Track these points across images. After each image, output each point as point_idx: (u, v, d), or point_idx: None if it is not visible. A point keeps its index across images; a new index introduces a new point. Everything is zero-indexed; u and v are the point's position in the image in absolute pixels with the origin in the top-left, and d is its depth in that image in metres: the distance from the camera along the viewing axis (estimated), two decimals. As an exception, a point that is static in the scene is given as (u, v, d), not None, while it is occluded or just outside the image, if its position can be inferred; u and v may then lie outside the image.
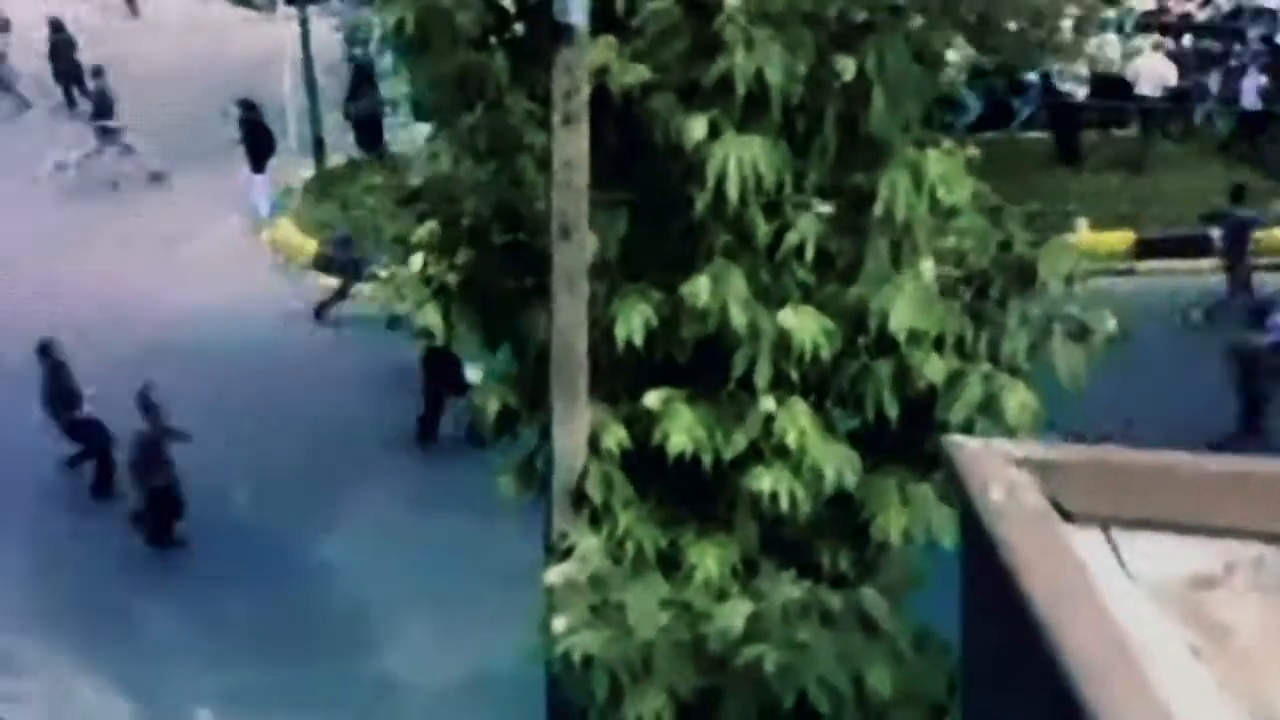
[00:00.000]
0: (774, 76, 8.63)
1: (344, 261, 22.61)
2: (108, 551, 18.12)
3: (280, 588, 17.55)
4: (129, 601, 17.57)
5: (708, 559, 9.39)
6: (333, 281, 22.87)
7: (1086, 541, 5.21)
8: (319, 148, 26.64)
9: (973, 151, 9.61)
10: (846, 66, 8.77)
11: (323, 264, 23.99)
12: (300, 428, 19.78)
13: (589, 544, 9.28)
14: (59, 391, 19.16)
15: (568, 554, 9.27)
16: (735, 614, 8.60)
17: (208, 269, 24.01)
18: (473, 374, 11.30)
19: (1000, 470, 5.39)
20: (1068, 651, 4.58)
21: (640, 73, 9.09)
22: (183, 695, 16.15)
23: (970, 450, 5.58)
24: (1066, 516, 5.28)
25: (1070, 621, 4.70)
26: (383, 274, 17.89)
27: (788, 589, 8.76)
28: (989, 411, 9.28)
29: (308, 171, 26.78)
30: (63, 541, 18.46)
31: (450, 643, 16.56)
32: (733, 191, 8.79)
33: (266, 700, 15.87)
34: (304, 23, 26.39)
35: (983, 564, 5.40)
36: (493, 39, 9.98)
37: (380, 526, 18.32)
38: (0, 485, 18.88)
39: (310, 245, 24.67)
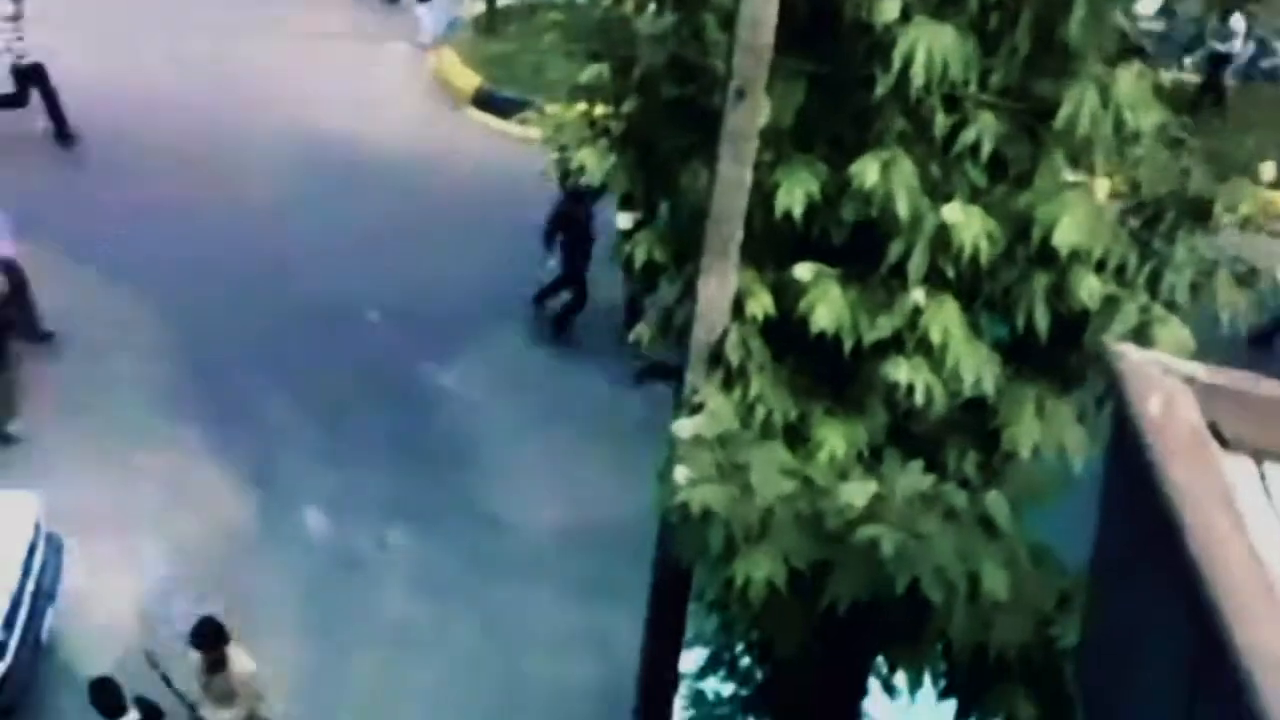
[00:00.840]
0: (975, -34, 8.47)
1: (502, 101, 22.60)
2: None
3: (401, 408, 17.82)
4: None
5: (835, 437, 9.37)
6: (490, 119, 22.88)
7: (1238, 469, 5.15)
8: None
9: (1165, 78, 9.41)
10: (1050, -33, 8.60)
11: (482, 99, 24.00)
12: (440, 258, 19.91)
13: (720, 403, 9.30)
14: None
15: (697, 410, 9.30)
16: (858, 493, 8.59)
17: (367, 90, 24.15)
18: (623, 221, 11.26)
19: (1161, 384, 5.32)
20: (1210, 576, 4.55)
21: (838, -54, 8.96)
22: (296, 490, 16.48)
23: (1134, 359, 5.52)
24: (1222, 441, 5.22)
25: (1215, 548, 4.66)
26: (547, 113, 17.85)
27: (913, 478, 8.75)
28: (1140, 341, 9.15)
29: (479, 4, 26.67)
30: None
31: (560, 487, 16.79)
32: (917, 78, 8.66)
33: (374, 507, 16.17)
34: None
35: (1130, 474, 5.36)
36: (689, -112, 9.87)
37: (504, 367, 18.50)
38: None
39: (472, 79, 24.67)
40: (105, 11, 24.09)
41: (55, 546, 15.03)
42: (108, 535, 15.79)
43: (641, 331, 10.20)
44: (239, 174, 21.42)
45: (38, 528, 14.78)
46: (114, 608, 15.34)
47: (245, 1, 25.33)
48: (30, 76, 21.55)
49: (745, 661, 11.17)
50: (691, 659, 11.41)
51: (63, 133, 21.89)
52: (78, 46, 22.29)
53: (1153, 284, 9.34)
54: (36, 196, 19.33)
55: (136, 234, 19.77)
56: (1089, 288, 9.20)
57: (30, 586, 14.42)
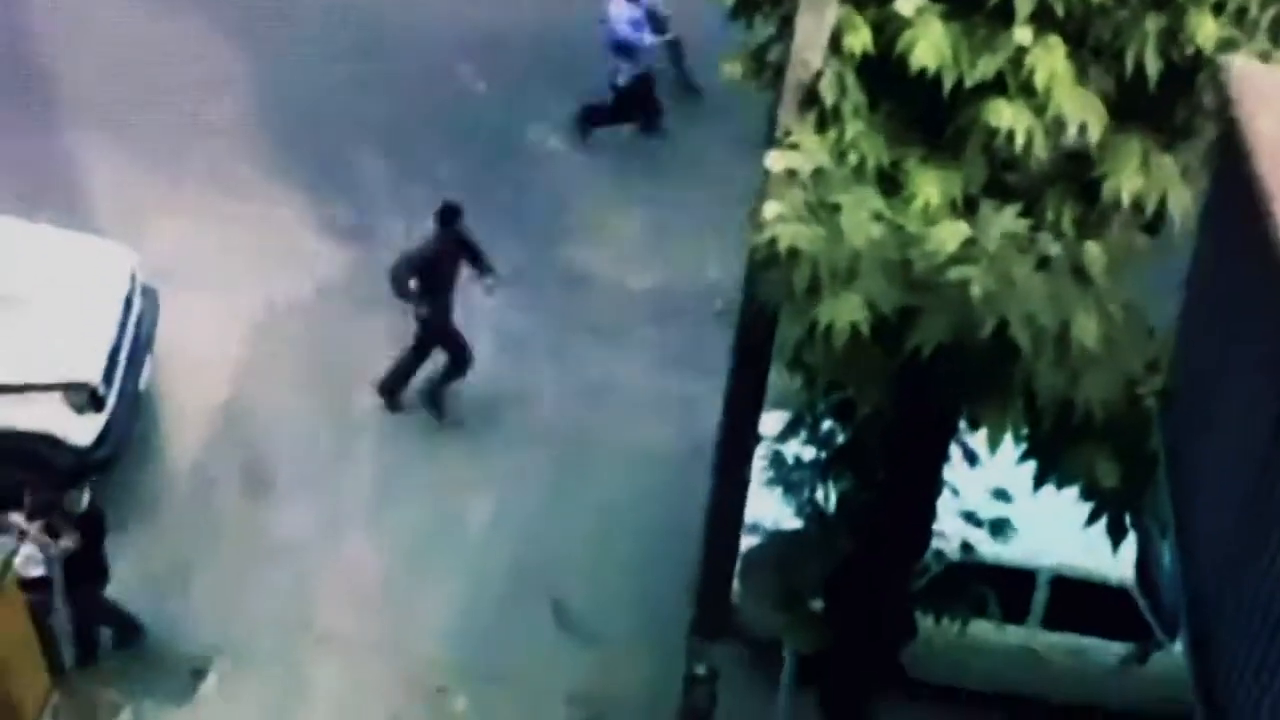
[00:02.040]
0: None
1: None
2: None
3: (497, 161, 17.62)
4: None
5: (930, 185, 9.03)
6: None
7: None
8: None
9: None
10: None
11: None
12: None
13: (812, 141, 9.01)
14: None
15: (790, 148, 9.02)
16: (949, 235, 8.34)
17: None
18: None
19: (1276, 100, 5.03)
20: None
21: None
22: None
23: (1248, 71, 5.22)
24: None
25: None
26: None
27: (1007, 223, 8.46)
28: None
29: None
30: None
31: (654, 245, 16.63)
32: None
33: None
34: None
35: (1233, 188, 5.08)
36: None
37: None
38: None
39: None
40: None
41: (151, 299, 15.06)
42: (202, 286, 15.81)
43: (731, 67, 9.86)
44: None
45: (133, 279, 14.79)
46: (207, 356, 15.42)
47: None
48: None
49: (826, 424, 11.00)
50: (772, 422, 11.24)
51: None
52: None
53: (1276, 28, 8.86)
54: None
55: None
56: (1205, 31, 8.72)
57: (128, 339, 14.49)
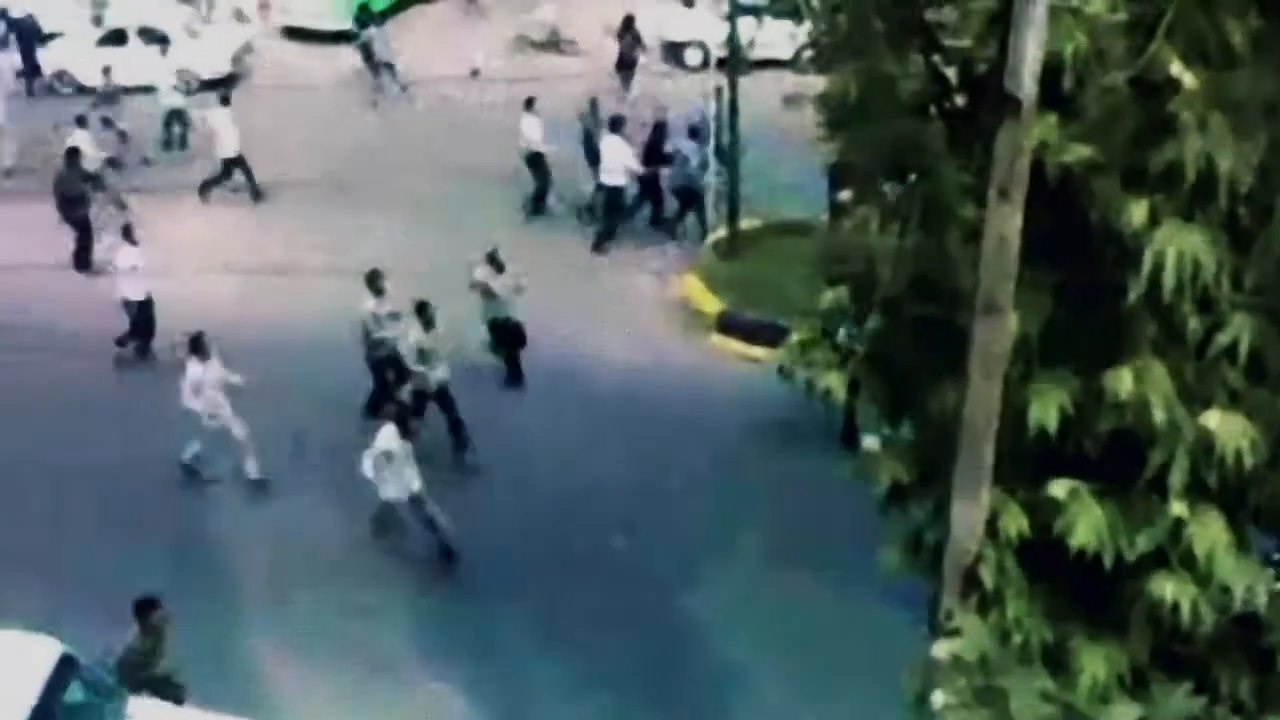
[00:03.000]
0: (1225, 164, 8.23)
1: (745, 324, 22.79)
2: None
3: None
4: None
5: (1097, 661, 8.97)
6: (733, 342, 23.05)
7: None
8: (733, 207, 26.88)
9: None
10: (1304, 158, 8.33)
11: (726, 323, 24.18)
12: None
13: (976, 626, 8.99)
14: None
15: (953, 634, 9.00)
16: (1121, 716, 8.19)
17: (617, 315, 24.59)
18: (870, 442, 11.11)
19: None
20: None
21: (1081, 152, 8.79)
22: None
23: None
24: None
25: None
26: (792, 338, 17.94)
27: (1182, 701, 8.32)
28: None
29: (721, 230, 27.10)
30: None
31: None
32: (1169, 282, 8.39)
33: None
34: (731, 85, 26.73)
35: None
36: (932, 108, 9.83)
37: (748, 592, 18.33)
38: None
39: (716, 303, 24.89)
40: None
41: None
42: None
43: (890, 556, 9.96)
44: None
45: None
46: None
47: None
48: None
49: None
50: None
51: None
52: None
53: None
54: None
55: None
56: (1363, 491, 8.75)
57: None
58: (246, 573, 18.86)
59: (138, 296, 23.83)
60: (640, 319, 24.87)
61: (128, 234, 24.31)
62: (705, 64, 30.83)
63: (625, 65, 34.79)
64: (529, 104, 28.50)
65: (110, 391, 23.11)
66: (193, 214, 29.03)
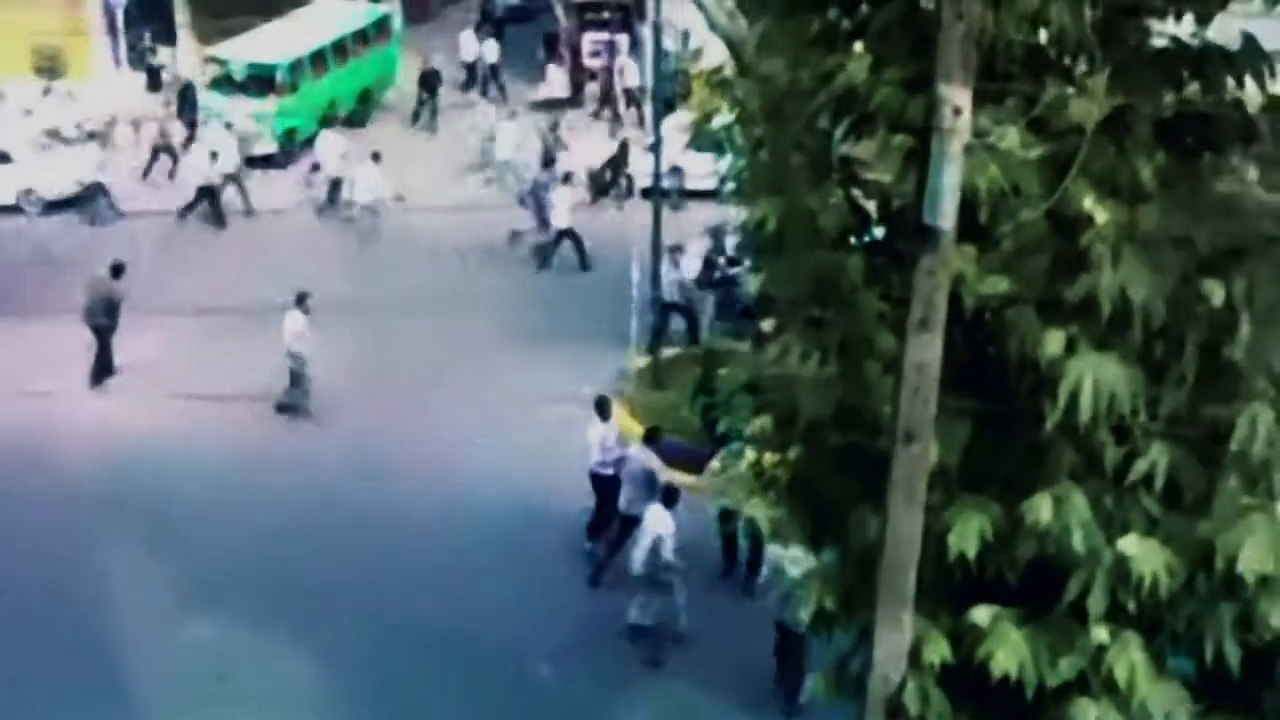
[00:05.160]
0: (1138, 296, 8.42)
1: (670, 450, 22.81)
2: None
3: None
4: None
5: (1024, 789, 9.02)
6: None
7: None
8: (656, 336, 27.08)
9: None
10: (1214, 291, 8.52)
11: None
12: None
13: (902, 758, 9.04)
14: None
15: (880, 762, 9.05)
16: None
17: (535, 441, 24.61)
18: (793, 570, 11.20)
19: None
20: None
21: (999, 284, 8.97)
22: None
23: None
24: None
25: None
26: (714, 465, 18.17)
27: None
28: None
29: (644, 358, 27.24)
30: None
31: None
32: (1085, 411, 8.55)
33: None
34: (655, 214, 27.04)
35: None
36: (851, 240, 10.00)
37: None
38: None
39: (638, 429, 24.93)
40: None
41: None
42: None
43: (817, 682, 9.99)
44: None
45: None
46: None
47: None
48: None
49: None
50: None
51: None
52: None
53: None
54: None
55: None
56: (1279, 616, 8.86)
57: None
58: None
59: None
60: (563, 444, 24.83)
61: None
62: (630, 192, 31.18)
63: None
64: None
65: None
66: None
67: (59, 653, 19.21)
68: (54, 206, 35.10)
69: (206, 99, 39.36)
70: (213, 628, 19.64)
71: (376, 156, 34.18)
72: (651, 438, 21.30)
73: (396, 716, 18.26)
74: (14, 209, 34.63)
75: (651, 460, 20.34)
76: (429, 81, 42.35)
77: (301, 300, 25.66)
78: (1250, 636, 9.01)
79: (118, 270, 27.21)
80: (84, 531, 21.96)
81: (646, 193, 28.20)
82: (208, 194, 34.65)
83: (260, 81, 38.95)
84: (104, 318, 26.92)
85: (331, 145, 36.29)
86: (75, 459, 24.15)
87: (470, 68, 44.89)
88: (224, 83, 39.40)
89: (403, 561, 21.20)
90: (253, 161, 37.51)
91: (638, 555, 18.91)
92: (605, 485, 21.23)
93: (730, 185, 10.90)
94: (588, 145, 37.54)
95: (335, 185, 35.43)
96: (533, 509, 22.22)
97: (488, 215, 33.37)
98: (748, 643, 18.28)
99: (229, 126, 36.94)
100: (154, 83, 43.68)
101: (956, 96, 8.12)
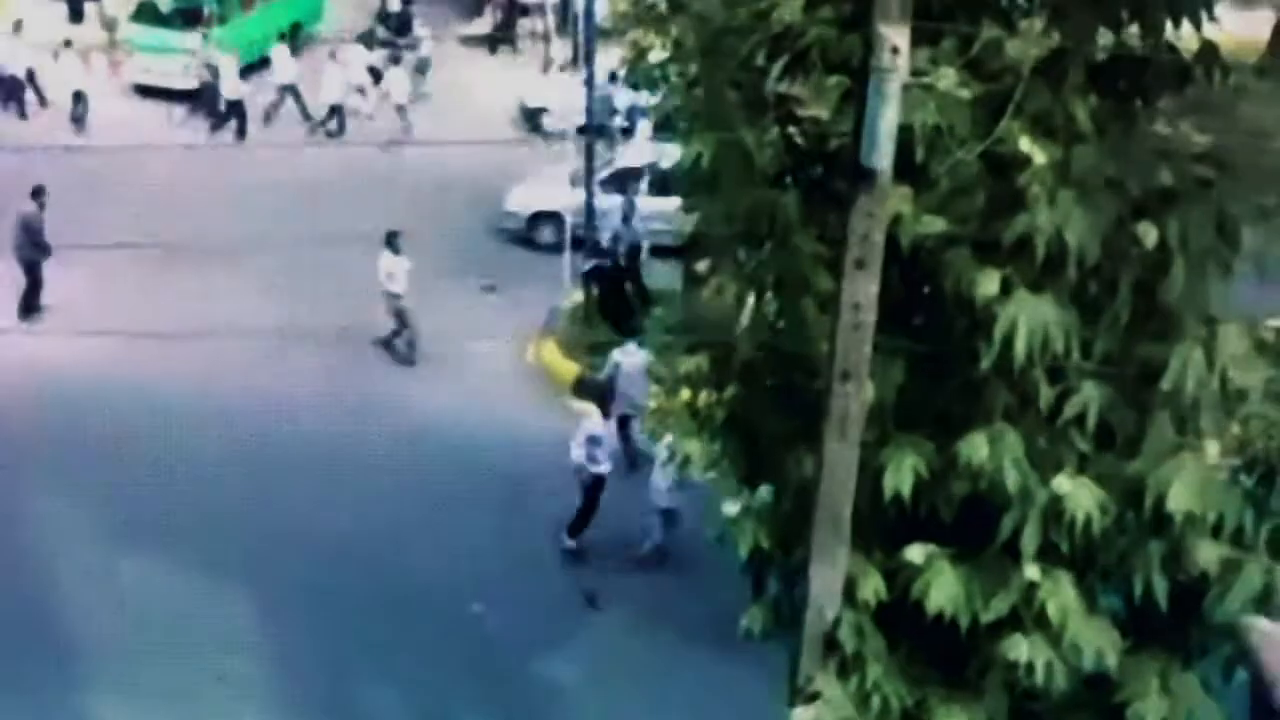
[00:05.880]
0: (1073, 238, 8.46)
1: (599, 390, 22.84)
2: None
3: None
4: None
5: (953, 721, 9.13)
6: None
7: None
8: (589, 275, 27.04)
9: (1269, 334, 9.29)
10: (1148, 233, 8.58)
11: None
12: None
13: (836, 691, 9.11)
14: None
15: (813, 698, 9.11)
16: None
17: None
18: (729, 508, 11.21)
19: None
20: None
21: (935, 224, 8.99)
22: None
23: (1268, 633, 5.37)
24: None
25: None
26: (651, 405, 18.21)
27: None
28: (1265, 606, 8.91)
29: (579, 296, 27.19)
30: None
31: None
32: (1020, 351, 8.59)
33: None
34: (588, 152, 26.94)
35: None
36: (787, 179, 9.99)
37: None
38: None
39: (572, 368, 24.94)
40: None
41: None
42: None
43: (753, 618, 10.06)
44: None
45: None
46: None
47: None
48: None
49: None
50: None
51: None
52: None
53: (1274, 545, 9.09)
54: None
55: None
56: (1206, 553, 8.99)
57: None
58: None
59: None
60: (495, 383, 24.84)
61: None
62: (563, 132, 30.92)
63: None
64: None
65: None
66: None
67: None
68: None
69: (130, 31, 38.78)
70: (155, 570, 19.59)
71: (333, 55, 36.30)
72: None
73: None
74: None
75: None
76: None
77: (391, 239, 25.64)
78: (1178, 574, 9.13)
79: (37, 193, 26.84)
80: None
81: (582, 129, 28.01)
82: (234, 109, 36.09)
83: (187, 14, 38.44)
84: (30, 250, 26.60)
85: (284, 59, 37.28)
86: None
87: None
88: (149, 14, 38.81)
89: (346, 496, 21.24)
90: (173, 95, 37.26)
91: (659, 482, 19.45)
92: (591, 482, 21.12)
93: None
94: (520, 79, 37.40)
95: (295, 93, 36.59)
96: (462, 448, 22.27)
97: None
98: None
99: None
100: (76, 14, 42.87)
101: (894, 36, 8.11)
